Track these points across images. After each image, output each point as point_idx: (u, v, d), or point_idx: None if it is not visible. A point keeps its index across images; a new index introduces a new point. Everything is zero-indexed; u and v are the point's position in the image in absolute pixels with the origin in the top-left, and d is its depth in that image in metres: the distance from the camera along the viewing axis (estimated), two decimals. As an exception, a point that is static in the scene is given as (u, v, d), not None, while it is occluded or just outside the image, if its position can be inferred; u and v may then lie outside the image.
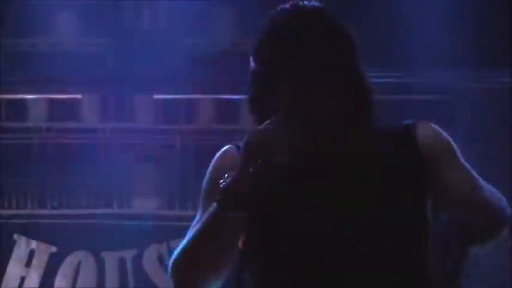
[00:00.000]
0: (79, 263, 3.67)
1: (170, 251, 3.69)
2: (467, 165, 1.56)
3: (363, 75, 1.56)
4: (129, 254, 3.70)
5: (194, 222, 1.51)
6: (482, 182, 1.52)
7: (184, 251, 1.46)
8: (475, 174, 1.54)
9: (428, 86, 5.09)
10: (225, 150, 1.57)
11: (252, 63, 1.56)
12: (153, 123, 3.99)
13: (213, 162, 1.57)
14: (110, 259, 3.68)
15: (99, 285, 3.73)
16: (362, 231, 1.46)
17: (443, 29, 4.78)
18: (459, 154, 1.57)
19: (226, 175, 1.45)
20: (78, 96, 3.82)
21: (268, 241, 1.48)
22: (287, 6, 1.57)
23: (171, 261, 1.48)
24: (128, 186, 3.77)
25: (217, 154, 1.58)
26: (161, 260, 3.68)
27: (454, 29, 4.77)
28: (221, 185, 1.42)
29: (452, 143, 1.56)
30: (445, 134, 1.57)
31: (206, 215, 1.46)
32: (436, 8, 4.65)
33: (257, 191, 1.43)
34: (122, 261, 3.70)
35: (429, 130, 1.57)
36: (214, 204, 1.43)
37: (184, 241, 1.48)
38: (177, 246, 1.47)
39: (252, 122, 1.54)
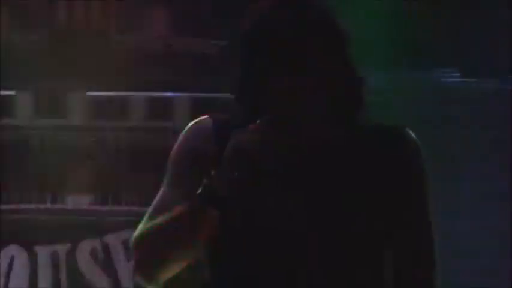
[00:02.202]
0: (12, 257, 3.62)
1: (103, 246, 3.70)
2: (426, 204, 1.52)
3: (352, 71, 1.50)
4: (62, 248, 3.66)
5: (157, 199, 1.48)
6: (430, 233, 1.50)
7: (150, 234, 1.43)
8: (428, 217, 1.52)
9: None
10: (200, 121, 1.50)
11: (241, 58, 1.47)
12: (86, 120, 4.07)
13: (185, 132, 1.50)
14: (43, 253, 3.64)
15: (32, 279, 3.66)
16: (332, 234, 1.43)
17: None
18: (426, 186, 1.53)
19: (212, 172, 1.39)
20: (12, 93, 3.82)
21: (238, 241, 1.43)
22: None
23: (134, 238, 1.45)
24: (61, 182, 3.71)
25: (191, 124, 1.51)
26: (94, 254, 3.65)
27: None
28: (204, 182, 1.38)
29: (425, 171, 1.54)
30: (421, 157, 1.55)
31: (182, 207, 1.41)
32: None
33: (238, 193, 1.39)
34: (55, 255, 3.66)
35: (413, 146, 1.54)
36: (195, 200, 1.38)
37: (151, 223, 1.44)
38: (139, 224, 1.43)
39: (238, 113, 1.47)
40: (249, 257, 1.46)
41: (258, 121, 1.40)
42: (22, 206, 3.68)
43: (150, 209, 1.47)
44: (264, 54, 1.42)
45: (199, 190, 1.37)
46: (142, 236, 1.43)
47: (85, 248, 3.65)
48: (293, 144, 1.43)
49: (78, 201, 3.71)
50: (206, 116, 1.50)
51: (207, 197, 1.38)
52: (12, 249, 3.62)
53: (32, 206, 3.69)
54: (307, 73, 1.42)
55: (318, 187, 1.46)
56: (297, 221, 1.46)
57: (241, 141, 1.39)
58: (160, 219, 1.42)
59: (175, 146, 1.49)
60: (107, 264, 3.71)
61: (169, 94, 3.82)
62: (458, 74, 5.21)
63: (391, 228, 1.48)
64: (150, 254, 1.43)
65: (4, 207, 3.69)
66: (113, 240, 3.69)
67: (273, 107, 1.41)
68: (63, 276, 3.68)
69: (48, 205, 3.70)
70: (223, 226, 1.41)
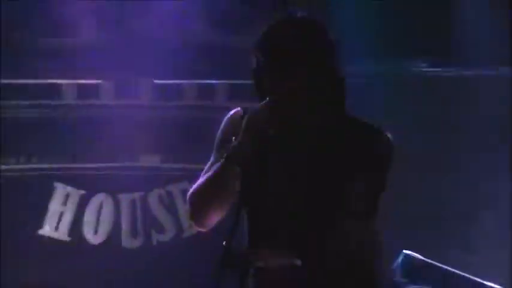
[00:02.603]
0: (101, 203, 4.54)
1: (167, 193, 4.55)
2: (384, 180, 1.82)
3: (336, 69, 1.79)
4: (138, 195, 4.56)
5: (207, 165, 1.88)
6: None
7: (198, 189, 1.83)
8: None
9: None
10: (234, 112, 1.89)
11: (254, 59, 1.79)
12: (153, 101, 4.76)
13: (224, 120, 1.92)
14: (124, 199, 4.54)
15: (115, 219, 4.57)
16: (317, 189, 1.72)
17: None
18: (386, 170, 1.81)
19: (234, 138, 1.75)
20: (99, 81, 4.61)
21: (254, 192, 1.76)
22: (282, 16, 1.85)
23: (189, 194, 1.85)
24: (137, 146, 4.53)
25: (228, 114, 1.92)
26: (161, 200, 4.58)
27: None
28: (231, 145, 1.74)
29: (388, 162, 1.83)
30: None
31: (217, 165, 1.79)
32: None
33: (253, 154, 1.71)
34: (133, 201, 4.54)
35: (388, 145, 1.82)
36: (223, 159, 1.76)
37: (200, 181, 1.85)
38: (192, 184, 1.84)
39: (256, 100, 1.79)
40: (261, 208, 1.78)
41: (265, 101, 1.75)
42: (109, 165, 4.53)
43: (202, 173, 1.88)
44: (269, 61, 1.75)
45: (226, 153, 1.75)
46: (194, 193, 1.83)
47: (154, 195, 4.56)
48: (290, 116, 1.75)
49: (149, 159, 4.59)
50: (238, 108, 1.89)
51: (230, 157, 1.74)
52: (101, 197, 4.53)
53: (116, 164, 4.53)
54: (298, 76, 1.74)
55: (309, 151, 1.77)
56: (297, 178, 1.77)
57: (252, 114, 1.75)
58: (206, 175, 1.82)
59: (219, 131, 1.90)
60: (170, 208, 4.59)
61: (213, 81, 4.65)
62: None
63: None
64: (199, 205, 1.82)
65: (94, 165, 4.55)
66: (174, 189, 4.58)
67: (277, 91, 1.73)
68: (139, 218, 4.56)
69: (127, 163, 4.56)
70: (242, 181, 1.74)
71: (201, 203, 1.84)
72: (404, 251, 3.78)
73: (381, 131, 1.84)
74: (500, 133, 4.79)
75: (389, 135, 1.85)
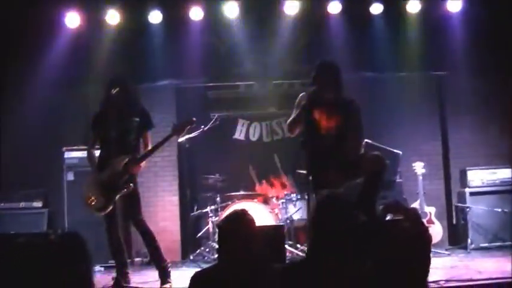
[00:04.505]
0: (255, 125, 11.06)
1: (277, 122, 10.58)
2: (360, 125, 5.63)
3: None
4: (268, 122, 10.53)
5: (293, 113, 5.98)
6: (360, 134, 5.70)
7: (290, 121, 5.98)
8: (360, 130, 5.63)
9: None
10: (303, 94, 5.92)
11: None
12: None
13: (299, 97, 6.03)
14: (264, 124, 10.45)
15: (260, 132, 10.56)
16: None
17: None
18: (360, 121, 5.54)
19: (302, 101, 5.77)
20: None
21: (309, 131, 5.63)
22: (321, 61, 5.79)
23: (287, 122, 6.05)
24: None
25: (300, 94, 6.03)
26: (278, 124, 10.43)
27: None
28: (302, 104, 5.81)
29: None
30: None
31: (297, 111, 5.87)
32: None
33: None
34: (266, 124, 10.38)
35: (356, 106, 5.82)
36: (298, 111, 5.85)
37: (291, 118, 6.00)
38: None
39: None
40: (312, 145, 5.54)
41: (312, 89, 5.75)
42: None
43: (292, 115, 6.07)
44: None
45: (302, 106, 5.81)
46: (289, 123, 6.00)
47: (274, 122, 10.97)
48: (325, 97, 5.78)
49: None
50: (304, 93, 5.92)
51: (304, 107, 5.70)
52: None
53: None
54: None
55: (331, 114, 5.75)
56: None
57: (303, 93, 5.90)
58: (292, 116, 5.99)
59: (297, 100, 6.02)
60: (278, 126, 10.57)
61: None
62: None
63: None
64: (290, 127, 5.99)
65: None
66: (282, 121, 10.05)
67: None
68: (268, 131, 10.81)
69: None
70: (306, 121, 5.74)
71: (290, 127, 6.01)
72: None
73: (354, 102, 5.59)
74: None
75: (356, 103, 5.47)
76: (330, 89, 5.85)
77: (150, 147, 6.56)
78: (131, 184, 6.46)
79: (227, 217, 3.56)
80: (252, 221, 3.54)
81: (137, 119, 6.54)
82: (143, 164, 6.55)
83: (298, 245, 8.48)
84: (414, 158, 9.19)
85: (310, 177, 5.56)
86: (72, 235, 2.78)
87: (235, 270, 3.27)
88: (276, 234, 6.32)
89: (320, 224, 2.84)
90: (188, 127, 6.40)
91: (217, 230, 7.27)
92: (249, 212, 3.62)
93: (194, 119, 6.44)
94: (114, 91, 6.30)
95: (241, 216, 3.50)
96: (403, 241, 2.56)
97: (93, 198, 6.41)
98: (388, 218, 3.11)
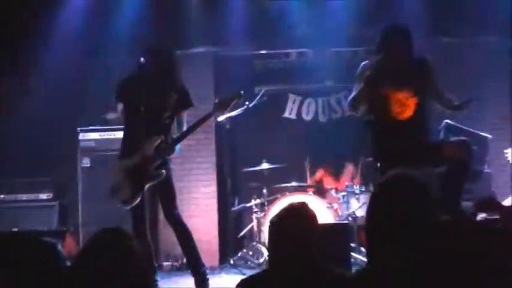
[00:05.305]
0: (309, 102, 11.20)
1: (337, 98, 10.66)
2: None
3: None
4: (325, 98, 10.72)
5: (355, 88, 5.91)
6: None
7: (352, 97, 5.91)
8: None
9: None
10: (365, 62, 5.91)
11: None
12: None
13: (360, 66, 5.96)
14: (320, 101, 10.74)
15: (315, 108, 10.98)
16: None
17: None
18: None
19: (367, 72, 5.66)
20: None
21: (375, 108, 5.75)
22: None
23: (349, 99, 6.08)
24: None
25: (362, 63, 5.95)
26: (337, 101, 10.90)
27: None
28: (365, 77, 5.68)
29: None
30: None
31: (360, 85, 5.78)
32: None
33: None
34: (323, 101, 10.73)
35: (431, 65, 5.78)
36: (362, 84, 5.73)
37: (352, 94, 5.95)
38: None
39: None
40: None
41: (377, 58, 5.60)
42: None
43: (353, 90, 5.93)
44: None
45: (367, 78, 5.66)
46: (351, 99, 5.94)
47: (332, 98, 10.87)
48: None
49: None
50: (367, 61, 5.96)
51: (367, 81, 5.69)
52: (309, 99, 11.03)
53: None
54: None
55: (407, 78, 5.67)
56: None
57: (367, 62, 5.86)
58: (355, 91, 5.90)
59: (358, 71, 5.99)
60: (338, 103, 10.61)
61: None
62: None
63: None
64: (353, 104, 5.94)
65: None
66: (341, 96, 10.53)
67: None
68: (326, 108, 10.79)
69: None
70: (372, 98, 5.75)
71: (353, 103, 5.88)
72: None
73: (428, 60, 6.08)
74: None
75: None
76: (400, 56, 5.73)
77: (185, 128, 6.41)
78: (163, 171, 6.30)
79: (283, 211, 3.44)
80: (313, 216, 3.45)
81: (174, 95, 6.38)
82: (177, 147, 6.37)
83: (362, 248, 8.19)
84: (506, 144, 8.98)
85: (378, 165, 5.59)
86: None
87: (290, 275, 3.19)
88: (340, 235, 6.26)
89: (384, 216, 2.51)
90: (234, 102, 6.32)
91: (265, 229, 7.26)
92: (308, 206, 3.53)
93: (242, 92, 6.34)
94: (150, 59, 6.22)
95: (301, 211, 3.41)
96: (501, 248, 2.38)
97: (119, 188, 6.32)
98: (479, 217, 2.94)
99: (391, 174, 2.62)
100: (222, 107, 6.31)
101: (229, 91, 6.59)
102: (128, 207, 6.34)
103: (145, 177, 6.29)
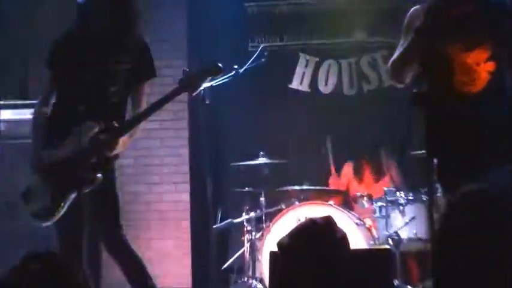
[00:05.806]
0: (329, 65, 10.14)
1: (373, 59, 10.26)
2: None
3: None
4: (353, 60, 10.24)
5: (400, 45, 5.28)
6: None
7: (395, 59, 5.21)
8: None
9: None
10: (415, 8, 5.24)
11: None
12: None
13: (408, 14, 5.40)
14: (344, 63, 10.22)
15: (338, 76, 10.22)
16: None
17: None
18: None
19: (417, 22, 4.97)
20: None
21: (431, 76, 5.21)
22: None
23: (390, 61, 5.40)
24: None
25: (411, 10, 5.37)
26: (369, 63, 10.19)
27: None
28: (416, 27, 4.94)
29: None
30: None
31: (407, 42, 5.14)
32: None
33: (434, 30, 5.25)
34: (349, 64, 10.24)
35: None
36: (409, 39, 4.98)
37: (396, 54, 5.31)
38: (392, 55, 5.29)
39: None
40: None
41: None
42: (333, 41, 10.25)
43: (397, 48, 5.27)
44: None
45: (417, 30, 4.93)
46: (393, 61, 5.28)
47: (364, 59, 10.13)
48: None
49: (360, 35, 10.31)
50: (418, 6, 5.24)
51: (418, 32, 5.24)
52: (329, 61, 10.43)
53: (337, 40, 10.21)
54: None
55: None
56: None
57: (432, 2, 4.99)
58: (400, 50, 5.37)
59: (405, 20, 5.66)
60: (375, 68, 10.39)
61: None
62: None
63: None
64: (395, 69, 5.31)
65: (323, 41, 10.30)
66: (378, 55, 10.10)
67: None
68: (354, 74, 10.14)
69: (344, 39, 10.15)
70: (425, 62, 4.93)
71: (396, 68, 5.19)
72: None
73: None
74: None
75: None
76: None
77: (142, 109, 6.05)
78: (99, 175, 5.94)
79: (299, 230, 3.35)
80: (344, 238, 3.36)
81: (128, 59, 6.06)
82: (126, 138, 6.03)
83: (409, 286, 7.63)
84: None
85: (435, 161, 5.35)
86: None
87: None
88: (377, 266, 6.04)
89: (459, 242, 2.60)
90: (209, 79, 6.08)
91: (263, 257, 7.33)
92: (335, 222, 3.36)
93: (220, 65, 5.89)
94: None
95: (327, 231, 3.34)
96: None
97: (36, 191, 6.04)
98: None
99: (466, 192, 2.69)
100: (190, 85, 6.07)
101: (206, 62, 6.21)
102: (48, 223, 6.06)
103: (74, 181, 5.99)
